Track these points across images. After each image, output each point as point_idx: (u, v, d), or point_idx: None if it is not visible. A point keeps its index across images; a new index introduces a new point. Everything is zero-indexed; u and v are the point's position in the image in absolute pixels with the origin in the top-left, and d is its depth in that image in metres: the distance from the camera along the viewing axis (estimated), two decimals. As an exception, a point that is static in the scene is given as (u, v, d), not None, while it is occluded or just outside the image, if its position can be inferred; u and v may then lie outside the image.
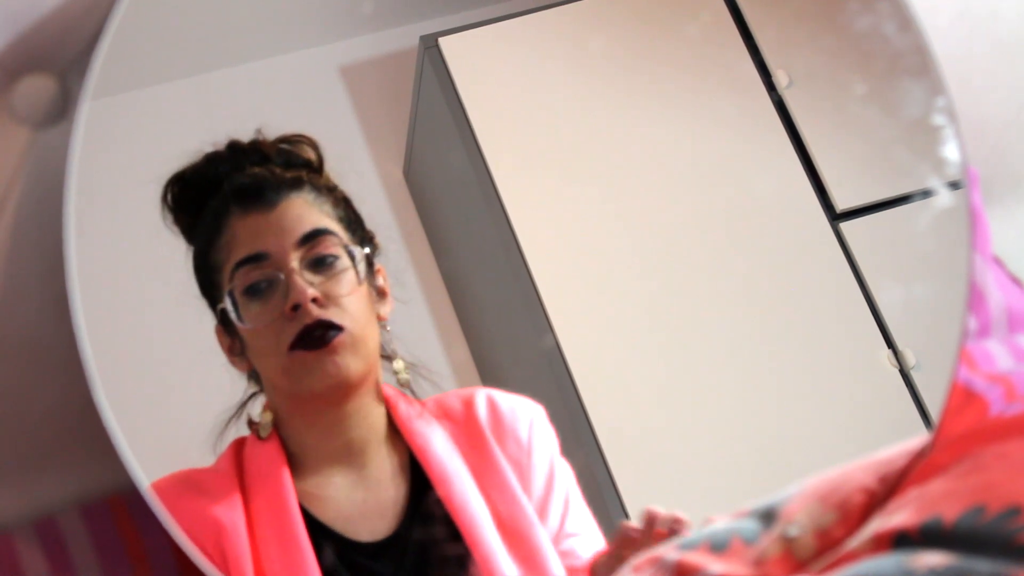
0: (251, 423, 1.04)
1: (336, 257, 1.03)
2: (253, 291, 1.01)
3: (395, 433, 1.05)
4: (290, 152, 1.07)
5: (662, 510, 0.92)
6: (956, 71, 0.91)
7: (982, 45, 1.19)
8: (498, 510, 1.01)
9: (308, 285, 1.00)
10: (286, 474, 1.00)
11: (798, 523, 0.73)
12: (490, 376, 1.26)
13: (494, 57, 1.36)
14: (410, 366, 1.08)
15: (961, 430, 0.76)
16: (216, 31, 1.35)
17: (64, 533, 0.94)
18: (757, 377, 1.24)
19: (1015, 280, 1.19)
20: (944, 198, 1.01)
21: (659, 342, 1.26)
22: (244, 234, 1.02)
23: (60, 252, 0.81)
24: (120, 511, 0.96)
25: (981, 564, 0.61)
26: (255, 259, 1.01)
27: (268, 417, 1.03)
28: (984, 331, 1.13)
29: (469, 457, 1.03)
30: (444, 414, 1.06)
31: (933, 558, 0.62)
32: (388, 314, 1.07)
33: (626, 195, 1.32)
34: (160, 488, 0.96)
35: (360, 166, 1.30)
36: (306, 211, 1.04)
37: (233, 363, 1.04)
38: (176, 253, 1.07)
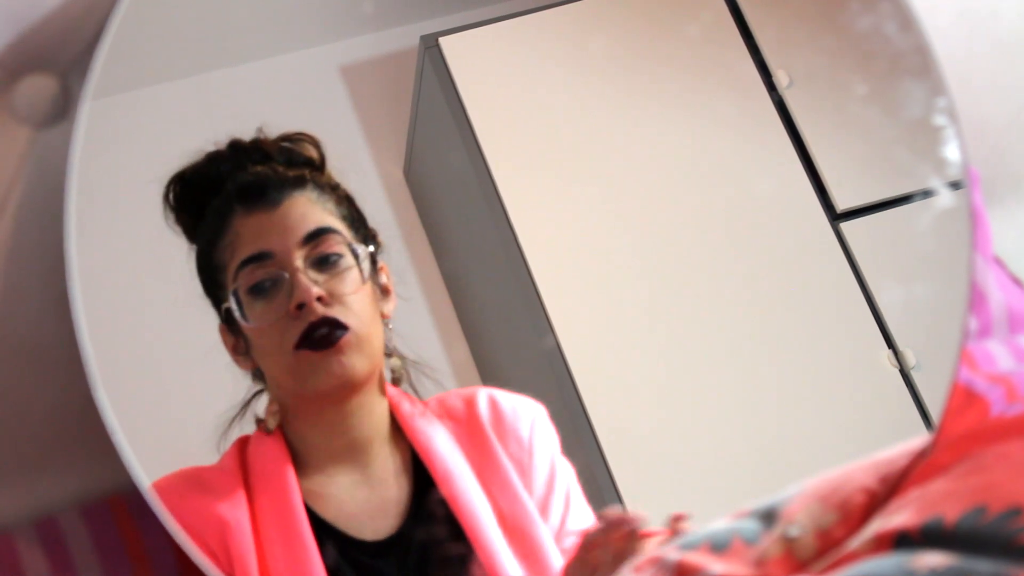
0: (258, 420, 1.04)
1: (340, 255, 1.03)
2: (257, 290, 1.01)
3: (398, 432, 1.05)
4: (292, 150, 1.07)
5: (622, 511, 0.92)
6: (957, 71, 0.91)
7: (982, 45, 1.19)
8: (501, 508, 1.01)
9: (312, 284, 1.00)
10: (290, 472, 1.00)
11: (799, 523, 0.73)
12: (490, 376, 1.26)
13: (494, 57, 1.36)
14: (412, 364, 1.08)
15: (962, 430, 0.76)
16: (216, 31, 1.35)
17: (65, 533, 0.94)
18: (757, 377, 1.24)
19: (1016, 280, 1.19)
20: (945, 198, 1.01)
21: (659, 342, 1.26)
22: (248, 233, 1.02)
23: (61, 252, 0.81)
24: (120, 511, 0.96)
25: (982, 565, 0.61)
26: (259, 258, 1.01)
27: (275, 412, 1.03)
28: (985, 331, 1.13)
29: (471, 456, 1.03)
30: (446, 413, 1.06)
31: (934, 558, 0.62)
32: (392, 312, 1.07)
33: (626, 195, 1.32)
34: (164, 486, 0.96)
35: (360, 166, 1.30)
36: (309, 209, 1.04)
37: (237, 362, 1.04)
38: (177, 253, 1.07)
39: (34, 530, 0.93)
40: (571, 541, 1.02)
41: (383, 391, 1.05)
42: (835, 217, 1.33)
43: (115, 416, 0.81)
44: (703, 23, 1.38)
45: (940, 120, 0.92)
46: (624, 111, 1.35)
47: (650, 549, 0.85)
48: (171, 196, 1.06)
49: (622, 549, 0.88)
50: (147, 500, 0.84)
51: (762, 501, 0.78)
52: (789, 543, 0.73)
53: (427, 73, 1.34)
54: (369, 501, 1.02)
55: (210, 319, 1.05)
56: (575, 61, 1.37)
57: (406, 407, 1.05)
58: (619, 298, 1.28)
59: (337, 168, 1.09)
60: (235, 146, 1.07)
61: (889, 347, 1.26)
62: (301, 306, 0.99)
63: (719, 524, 0.77)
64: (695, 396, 1.23)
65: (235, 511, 0.97)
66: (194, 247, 1.06)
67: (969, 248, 0.91)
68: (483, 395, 1.07)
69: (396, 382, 1.07)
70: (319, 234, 1.03)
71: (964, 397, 0.99)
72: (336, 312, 1.00)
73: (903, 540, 0.66)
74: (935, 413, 1.07)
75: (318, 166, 1.08)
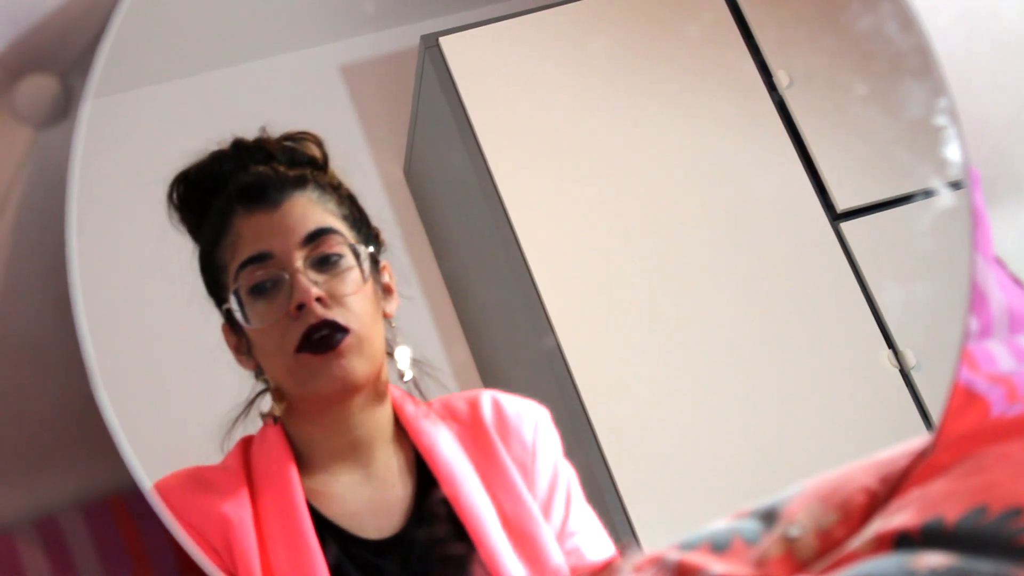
0: (263, 415, 1.04)
1: (340, 256, 1.03)
2: (258, 291, 1.01)
3: (401, 432, 1.05)
4: (294, 150, 1.07)
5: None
6: (957, 71, 0.91)
7: (983, 45, 1.19)
8: (504, 510, 1.01)
9: (312, 284, 1.00)
10: (293, 471, 1.00)
11: (799, 523, 0.74)
12: (491, 376, 1.26)
13: (494, 57, 1.36)
14: (414, 363, 1.08)
15: (962, 431, 0.76)
16: (217, 31, 1.35)
17: (65, 533, 0.94)
18: (757, 377, 1.25)
19: (1016, 280, 1.19)
20: (945, 198, 1.01)
21: (659, 342, 1.26)
22: (248, 234, 1.02)
23: (62, 251, 0.81)
24: (121, 511, 0.96)
25: (982, 565, 0.61)
26: (259, 259, 1.01)
27: (279, 406, 1.03)
28: (985, 332, 1.13)
29: (474, 458, 1.03)
30: (450, 415, 1.06)
31: (934, 558, 0.62)
32: (394, 311, 1.07)
33: (626, 195, 1.32)
34: (168, 485, 0.96)
35: (361, 166, 1.30)
36: (310, 210, 1.04)
37: (240, 362, 1.04)
38: (177, 252, 1.07)
39: (34, 530, 0.93)
40: (572, 542, 1.02)
41: (386, 391, 1.05)
42: (835, 217, 1.33)
43: (115, 416, 0.81)
44: (703, 23, 1.38)
45: (940, 120, 0.92)
46: (624, 111, 1.35)
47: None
48: (175, 196, 1.06)
49: None
50: (148, 500, 0.84)
51: (762, 501, 0.78)
52: (790, 543, 0.73)
53: (427, 73, 1.34)
54: (372, 500, 1.02)
55: (210, 318, 1.05)
56: (575, 61, 1.37)
57: (410, 408, 1.05)
58: (619, 298, 1.28)
59: (340, 167, 1.09)
60: (238, 145, 1.07)
61: (889, 347, 1.26)
62: (301, 307, 0.99)
63: (719, 524, 0.77)
64: (695, 396, 1.23)
65: (238, 510, 0.97)
66: (197, 247, 1.06)
67: (970, 248, 0.91)
68: (487, 397, 1.07)
69: (405, 379, 1.07)
70: (319, 234, 1.03)
71: (964, 397, 0.99)
72: (336, 313, 1.00)
73: (904, 540, 0.66)
74: (935, 413, 1.07)
75: (321, 165, 1.08)
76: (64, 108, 0.85)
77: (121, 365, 0.89)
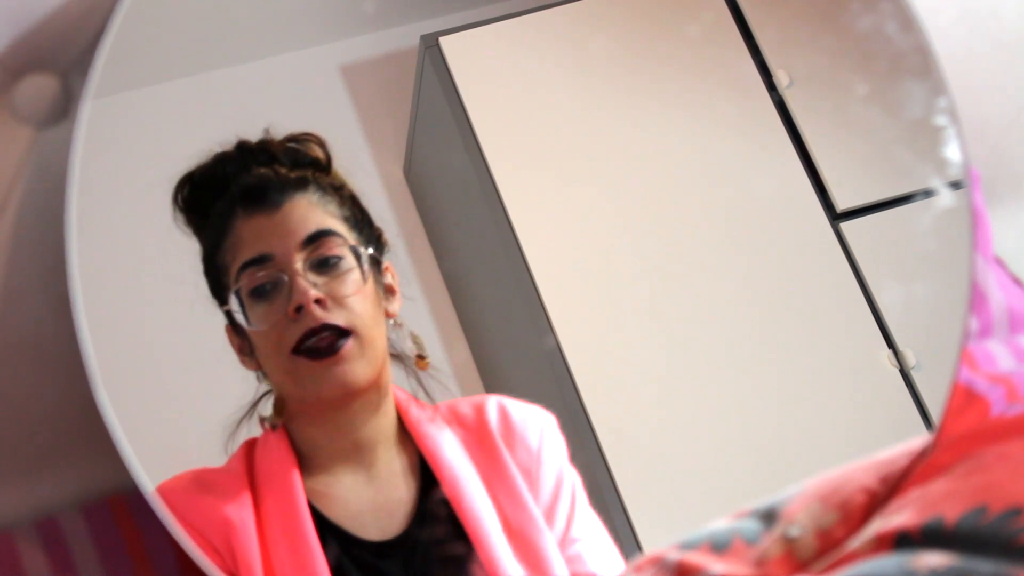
0: (262, 419, 1.04)
1: (340, 258, 1.03)
2: (258, 293, 1.01)
3: (405, 434, 1.05)
4: (297, 151, 1.07)
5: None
6: (957, 71, 0.91)
7: (983, 45, 1.19)
8: (506, 515, 1.01)
9: (311, 286, 1.00)
10: (295, 473, 1.00)
11: (799, 523, 0.74)
12: (491, 376, 1.26)
13: (494, 57, 1.36)
14: (414, 339, 1.08)
15: (962, 430, 0.76)
16: (217, 31, 1.35)
17: (65, 533, 0.94)
18: (757, 377, 1.24)
19: (1016, 280, 1.19)
20: (945, 198, 1.01)
21: (660, 342, 1.26)
22: (249, 235, 1.02)
23: (62, 251, 0.81)
24: (121, 511, 0.96)
25: (982, 565, 0.61)
26: (259, 261, 1.01)
27: (280, 410, 1.03)
28: (985, 331, 1.13)
29: (479, 462, 1.03)
30: (455, 419, 1.06)
31: (934, 558, 0.62)
32: (397, 311, 1.06)
33: (626, 195, 1.32)
34: (171, 487, 0.96)
35: (361, 166, 1.30)
36: (310, 212, 1.04)
37: (243, 363, 1.04)
38: (177, 252, 1.07)
39: (35, 530, 0.93)
40: (575, 548, 1.02)
41: (389, 393, 1.05)
42: (835, 217, 1.33)
43: (115, 416, 0.81)
44: (703, 23, 1.38)
45: (940, 120, 0.92)
46: (624, 111, 1.35)
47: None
48: (180, 198, 1.06)
49: None
50: (147, 500, 0.84)
51: (762, 501, 0.78)
52: (789, 543, 0.73)
53: (427, 73, 1.34)
54: (374, 501, 1.02)
55: (209, 319, 1.05)
56: (575, 61, 1.37)
57: (414, 411, 1.05)
58: (619, 298, 1.28)
59: (344, 168, 1.09)
60: (242, 147, 1.07)
61: (889, 347, 1.26)
62: (299, 308, 0.99)
63: (719, 524, 0.77)
64: (695, 396, 1.23)
65: (240, 512, 0.97)
66: (201, 248, 1.06)
67: (969, 248, 0.91)
68: (493, 403, 1.07)
69: (420, 360, 1.07)
70: (319, 236, 1.03)
71: (964, 397, 0.99)
72: (336, 315, 1.00)
73: (903, 540, 0.66)
74: (935, 413, 1.07)
75: (323, 167, 1.08)
76: (64, 108, 0.85)
77: (121, 365, 0.89)
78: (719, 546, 0.74)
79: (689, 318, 1.27)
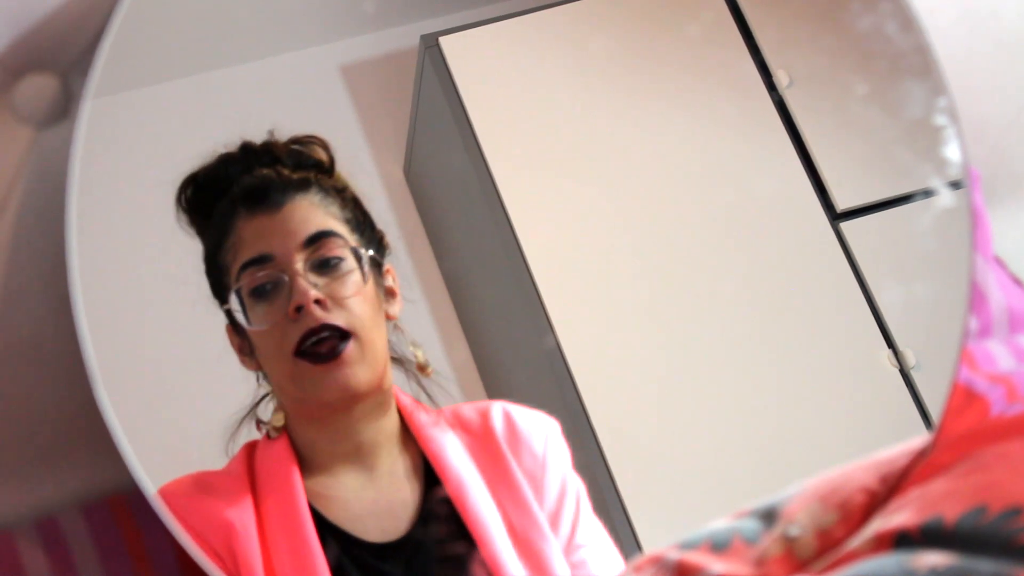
0: (259, 423, 1.04)
1: (340, 259, 1.03)
2: (259, 293, 1.01)
3: (408, 437, 1.05)
4: (300, 153, 1.07)
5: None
6: (957, 71, 0.91)
7: (983, 45, 1.19)
8: (511, 519, 1.01)
9: (312, 287, 1.00)
10: (296, 475, 1.00)
11: (799, 523, 0.74)
12: (491, 376, 1.26)
13: (494, 57, 1.36)
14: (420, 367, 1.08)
15: (962, 430, 0.76)
16: (217, 30, 1.35)
17: (65, 532, 0.94)
18: (757, 377, 1.25)
19: (1016, 280, 1.19)
20: (945, 198, 1.01)
21: (659, 342, 1.26)
22: (250, 235, 1.02)
23: (62, 251, 0.81)
24: (121, 511, 0.96)
25: (982, 564, 0.61)
26: (260, 260, 1.01)
27: (279, 418, 1.03)
28: (985, 331, 1.13)
29: (484, 468, 1.03)
30: (459, 424, 1.06)
31: (934, 558, 0.62)
32: (398, 314, 1.06)
33: (626, 195, 1.32)
34: (172, 490, 0.96)
35: (361, 166, 1.30)
36: (312, 213, 1.04)
37: (244, 363, 1.04)
38: (177, 252, 1.07)
39: (35, 530, 0.93)
40: (579, 555, 1.02)
41: (391, 396, 1.05)
42: (835, 217, 1.33)
43: (115, 416, 0.81)
44: (703, 23, 1.38)
45: (940, 120, 0.92)
46: (624, 111, 1.35)
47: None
48: (183, 199, 1.06)
49: None
50: (147, 500, 0.84)
51: (762, 501, 0.78)
52: (789, 543, 0.73)
53: (427, 73, 1.34)
54: (376, 503, 1.02)
55: (210, 319, 1.05)
56: (575, 61, 1.37)
57: (419, 416, 1.05)
58: (619, 298, 1.28)
59: (346, 171, 1.09)
60: (246, 148, 1.07)
61: (889, 347, 1.26)
62: (299, 308, 0.99)
63: (719, 524, 0.77)
64: (695, 396, 1.23)
65: (241, 514, 0.96)
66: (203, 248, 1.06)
67: (969, 248, 0.91)
68: (498, 409, 1.07)
69: (422, 369, 1.07)
70: (320, 237, 1.03)
71: (964, 397, 0.99)
72: (336, 316, 1.00)
73: (903, 540, 0.66)
74: (935, 413, 1.07)
75: (326, 169, 1.08)
76: (64, 108, 0.85)
77: (121, 365, 0.89)
78: (719, 546, 0.74)
79: (689, 318, 1.27)
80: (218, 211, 1.04)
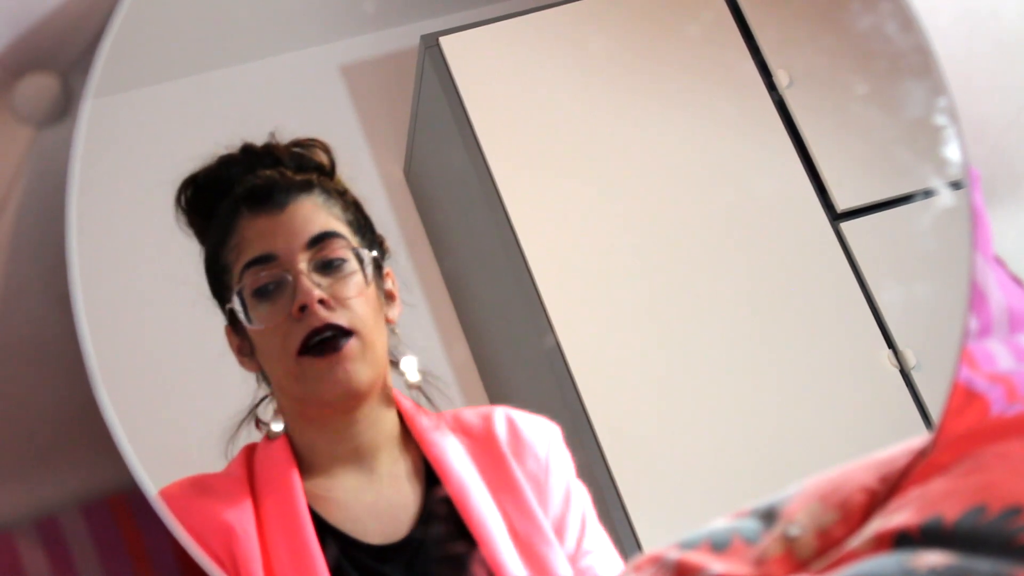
0: (259, 423, 1.04)
1: (344, 260, 1.03)
2: (262, 292, 1.01)
3: (408, 439, 1.05)
4: (302, 155, 1.07)
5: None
6: (957, 71, 0.91)
7: (983, 45, 1.19)
8: (513, 524, 1.01)
9: (315, 287, 1.00)
10: (295, 477, 1.00)
11: (799, 523, 0.74)
12: (491, 376, 1.26)
13: (494, 57, 1.36)
14: (421, 373, 1.08)
15: (962, 430, 0.76)
16: (217, 30, 1.35)
17: (65, 532, 0.94)
18: (757, 377, 1.25)
19: (1016, 280, 1.19)
20: (945, 198, 1.01)
21: (660, 342, 1.26)
22: (253, 235, 1.02)
23: (62, 251, 0.81)
24: (121, 510, 0.96)
25: (982, 564, 0.61)
26: (264, 260, 1.01)
27: (278, 422, 1.03)
28: (985, 331, 1.13)
29: (486, 472, 1.03)
30: (461, 428, 1.06)
31: (934, 557, 0.62)
32: (397, 317, 1.07)
33: (626, 195, 1.32)
34: (171, 492, 0.96)
35: (361, 166, 1.30)
36: (315, 213, 1.04)
37: (243, 364, 1.04)
38: (178, 252, 1.07)
39: (35, 529, 0.93)
40: (587, 561, 1.02)
41: (390, 398, 1.05)
42: (835, 217, 1.33)
43: (115, 415, 0.81)
44: (703, 23, 1.38)
45: (940, 120, 0.92)
46: (624, 111, 1.35)
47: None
48: (183, 199, 1.06)
49: None
50: (147, 499, 0.84)
51: (762, 501, 0.78)
52: (789, 542, 0.73)
53: (427, 73, 1.34)
54: (376, 505, 1.01)
55: (210, 319, 1.05)
56: (575, 61, 1.37)
57: (420, 420, 1.05)
58: (619, 298, 1.28)
59: (347, 174, 1.09)
60: (247, 150, 1.07)
61: (889, 347, 1.26)
62: (303, 308, 0.99)
63: (719, 523, 0.77)
64: (695, 396, 1.23)
65: (240, 517, 0.96)
66: (203, 249, 1.06)
67: (969, 248, 0.91)
68: (500, 414, 1.07)
69: (412, 387, 1.07)
70: (323, 238, 1.03)
71: (964, 397, 0.99)
72: (339, 316, 1.00)
73: (903, 539, 0.66)
74: (935, 413, 1.07)
75: (328, 171, 1.08)
76: (64, 108, 0.85)
77: (121, 365, 0.89)
78: (719, 545, 0.74)
79: (689, 318, 1.27)
80: (220, 211, 1.04)
